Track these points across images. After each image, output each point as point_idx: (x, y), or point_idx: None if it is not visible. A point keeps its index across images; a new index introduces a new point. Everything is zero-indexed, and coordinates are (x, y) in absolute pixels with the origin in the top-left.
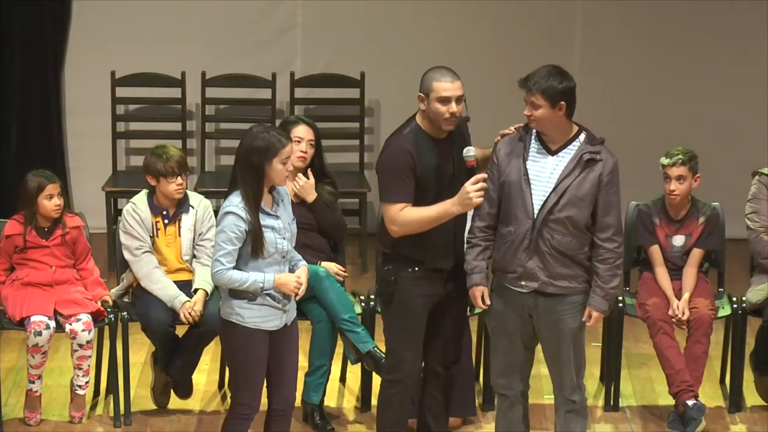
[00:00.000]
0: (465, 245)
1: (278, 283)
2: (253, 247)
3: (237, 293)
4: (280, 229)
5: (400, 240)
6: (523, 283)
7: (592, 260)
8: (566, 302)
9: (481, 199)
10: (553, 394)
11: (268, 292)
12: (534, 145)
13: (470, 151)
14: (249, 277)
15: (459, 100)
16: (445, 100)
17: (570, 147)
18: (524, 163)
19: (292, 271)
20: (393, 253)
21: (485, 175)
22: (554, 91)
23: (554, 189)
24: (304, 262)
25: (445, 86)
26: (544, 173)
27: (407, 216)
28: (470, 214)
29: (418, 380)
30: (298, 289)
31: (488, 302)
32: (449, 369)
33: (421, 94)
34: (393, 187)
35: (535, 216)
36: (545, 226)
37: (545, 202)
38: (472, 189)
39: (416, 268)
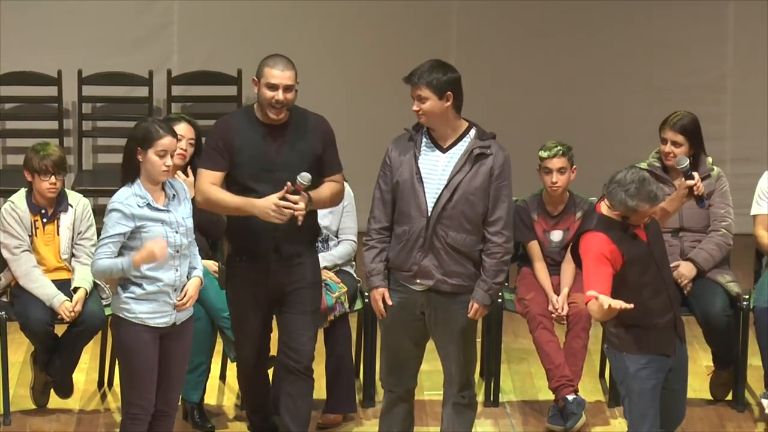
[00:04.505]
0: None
1: (135, 260)
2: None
3: (125, 287)
4: (171, 222)
5: (231, 231)
6: (418, 281)
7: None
8: (459, 300)
9: (278, 219)
10: (436, 390)
11: (140, 276)
12: (425, 144)
13: (303, 178)
14: (114, 264)
15: (287, 89)
16: (272, 87)
17: (461, 143)
18: (416, 161)
19: (188, 277)
20: (229, 244)
21: (303, 202)
22: (439, 82)
23: (446, 185)
24: (199, 273)
25: (275, 73)
26: (436, 170)
27: (211, 193)
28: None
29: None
30: (162, 252)
31: (390, 303)
32: (300, 362)
33: (255, 78)
34: (206, 155)
35: (429, 213)
36: (439, 223)
37: (438, 198)
38: (279, 204)
39: (244, 257)
